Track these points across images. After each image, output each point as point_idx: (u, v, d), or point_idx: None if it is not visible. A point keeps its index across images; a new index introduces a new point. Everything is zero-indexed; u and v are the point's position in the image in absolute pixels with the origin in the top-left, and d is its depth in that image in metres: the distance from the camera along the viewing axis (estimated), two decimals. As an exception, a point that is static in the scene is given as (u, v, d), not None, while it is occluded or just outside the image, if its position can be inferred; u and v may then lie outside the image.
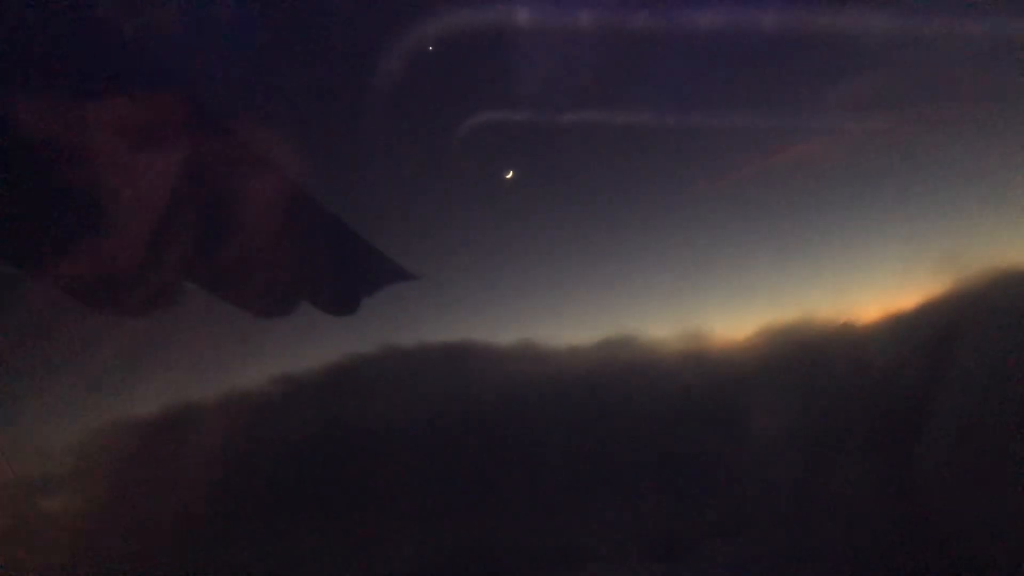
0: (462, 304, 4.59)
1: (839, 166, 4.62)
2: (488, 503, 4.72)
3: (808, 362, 4.87)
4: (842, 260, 4.99)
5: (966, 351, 4.64)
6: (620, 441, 4.82)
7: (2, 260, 3.62)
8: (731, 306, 5.05)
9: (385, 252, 4.21)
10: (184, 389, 4.27)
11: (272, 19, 3.73)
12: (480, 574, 4.61)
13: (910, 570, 4.39)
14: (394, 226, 4.03)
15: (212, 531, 4.34)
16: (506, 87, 4.01)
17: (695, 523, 4.79)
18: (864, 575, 4.53)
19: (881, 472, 4.74)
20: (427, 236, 4.13)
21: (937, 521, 4.59)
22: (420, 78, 3.81)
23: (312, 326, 4.29)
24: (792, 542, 4.71)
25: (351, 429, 4.75)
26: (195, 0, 3.87)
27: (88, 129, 3.44)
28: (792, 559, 4.64)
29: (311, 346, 4.37)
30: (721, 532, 4.77)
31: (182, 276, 3.91)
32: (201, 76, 3.80)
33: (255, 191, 3.85)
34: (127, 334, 4.04)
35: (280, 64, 3.78)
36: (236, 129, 3.85)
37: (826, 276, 5.05)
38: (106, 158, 3.45)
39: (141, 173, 3.38)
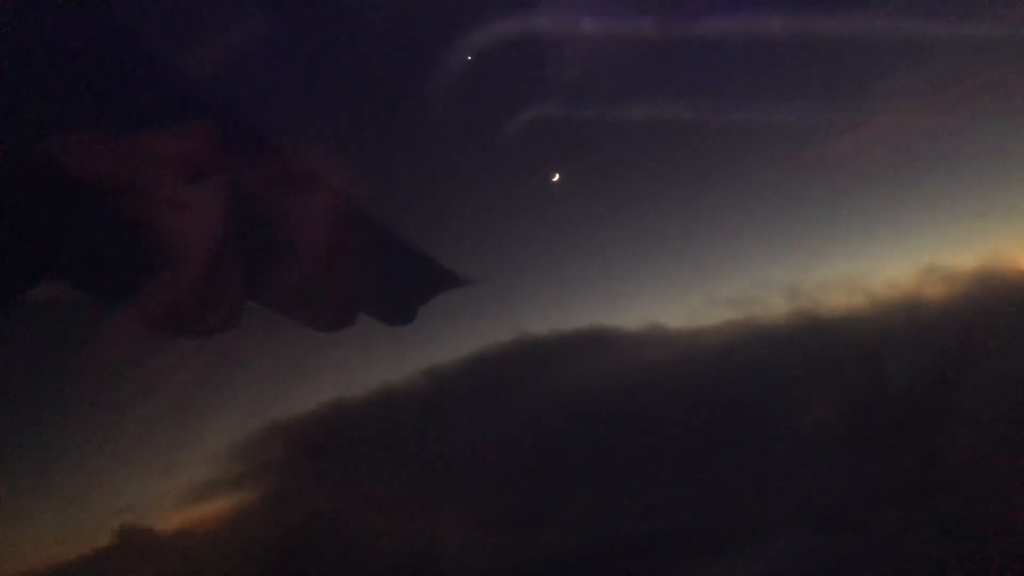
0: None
1: (886, 158, 4.71)
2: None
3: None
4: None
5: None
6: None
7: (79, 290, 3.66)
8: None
9: (438, 260, 4.30)
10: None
11: (315, 40, 3.76)
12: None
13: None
14: (445, 235, 4.11)
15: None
16: (548, 92, 4.09)
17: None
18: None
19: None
20: (479, 241, 4.23)
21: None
22: (465, 90, 3.87)
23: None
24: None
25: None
26: (228, 23, 3.87)
27: (145, 163, 3.46)
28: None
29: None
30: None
31: (247, 297, 3.97)
32: (244, 99, 3.82)
33: (311, 210, 3.90)
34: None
35: (327, 85, 3.81)
36: (284, 152, 3.89)
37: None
38: (168, 190, 3.49)
39: (196, 203, 3.43)
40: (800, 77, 4.27)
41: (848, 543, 4.67)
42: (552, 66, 4.18)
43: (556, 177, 3.99)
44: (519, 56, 4.14)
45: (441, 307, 4.58)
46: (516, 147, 4.12)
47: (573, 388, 5.22)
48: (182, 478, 5.05)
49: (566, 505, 5.10)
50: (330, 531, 5.22)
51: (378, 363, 4.82)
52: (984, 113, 4.38)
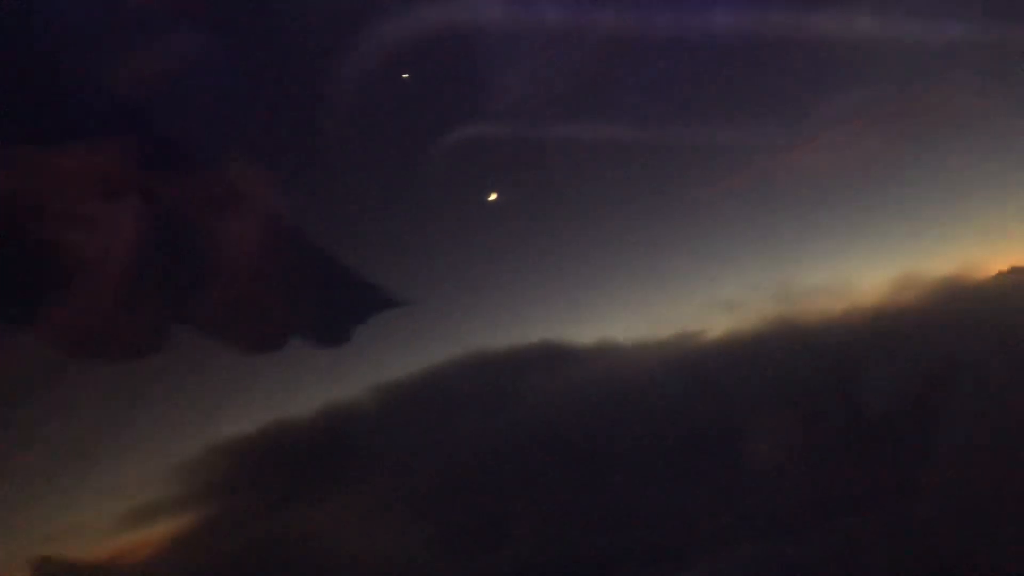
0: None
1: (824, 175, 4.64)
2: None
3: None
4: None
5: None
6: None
7: None
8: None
9: (371, 280, 4.17)
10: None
11: (242, 56, 3.67)
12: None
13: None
14: (380, 256, 3.98)
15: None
16: (486, 108, 3.98)
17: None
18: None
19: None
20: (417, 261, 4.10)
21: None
22: (402, 106, 3.76)
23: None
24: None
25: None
26: (163, 39, 3.78)
27: (58, 178, 3.35)
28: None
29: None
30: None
31: (171, 319, 3.83)
32: (176, 116, 3.71)
33: (237, 230, 3.77)
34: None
35: (255, 101, 3.71)
36: (213, 168, 3.78)
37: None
38: (93, 208, 3.37)
39: (116, 223, 3.30)
40: (746, 94, 4.17)
41: (808, 551, 4.58)
42: (492, 84, 4.08)
43: (494, 196, 3.87)
44: (457, 73, 4.04)
45: (386, 325, 4.48)
46: (455, 164, 4.01)
47: (522, 403, 5.12)
48: (115, 503, 4.90)
49: (521, 521, 4.97)
50: (277, 554, 5.07)
51: (324, 381, 4.70)
52: (934, 130, 4.27)
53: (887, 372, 4.72)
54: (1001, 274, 5.95)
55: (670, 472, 4.96)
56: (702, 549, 4.66)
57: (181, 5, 3.42)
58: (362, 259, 4.07)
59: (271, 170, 3.83)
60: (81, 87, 3.41)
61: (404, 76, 3.66)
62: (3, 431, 4.01)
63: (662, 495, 4.94)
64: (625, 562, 4.78)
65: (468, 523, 5.02)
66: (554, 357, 5.10)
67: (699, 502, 4.83)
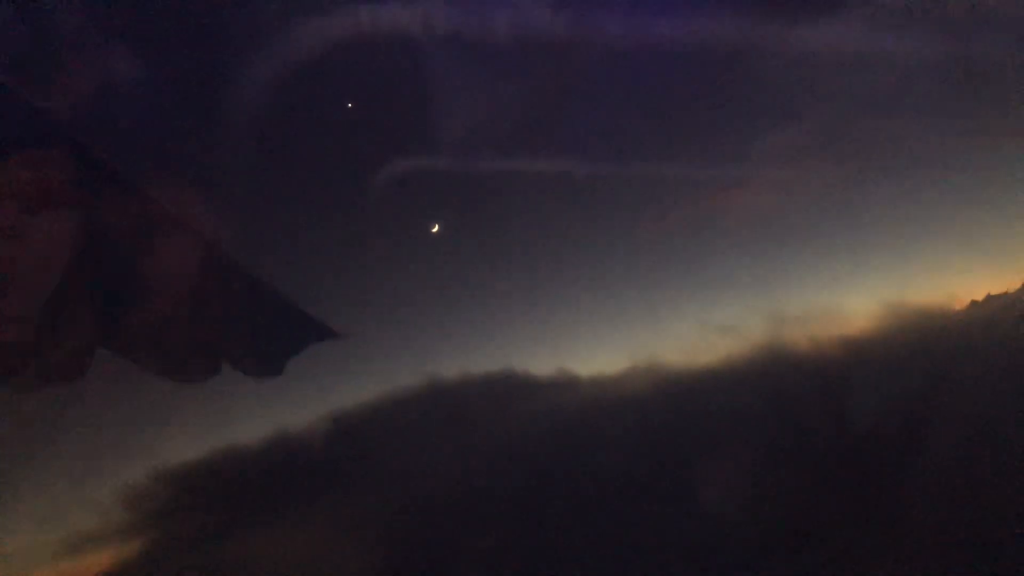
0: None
1: (761, 213, 4.70)
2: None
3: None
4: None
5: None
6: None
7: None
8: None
9: (310, 311, 4.11)
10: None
11: (183, 78, 3.66)
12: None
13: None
14: (315, 283, 3.94)
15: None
16: (425, 140, 3.98)
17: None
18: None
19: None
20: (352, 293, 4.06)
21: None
22: (337, 135, 3.76)
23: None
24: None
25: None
26: (102, 66, 3.77)
27: None
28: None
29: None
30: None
31: (96, 344, 3.73)
32: (112, 138, 3.69)
33: (171, 253, 3.72)
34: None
35: (201, 128, 3.69)
36: (148, 190, 3.74)
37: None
38: (17, 221, 3.31)
39: (43, 237, 3.23)
40: (697, 128, 4.23)
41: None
42: (439, 118, 4.10)
43: (436, 228, 3.86)
44: (405, 106, 4.05)
45: (330, 355, 4.42)
46: (405, 195, 4.00)
47: (476, 433, 5.07)
48: (57, 530, 4.73)
49: (472, 550, 4.86)
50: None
51: (276, 409, 4.62)
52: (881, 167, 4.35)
53: (842, 408, 4.72)
54: (975, 303, 5.98)
55: (622, 505, 4.89)
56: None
57: (124, 29, 3.43)
58: (301, 289, 4.02)
59: (211, 197, 3.80)
60: (15, 101, 3.38)
61: (349, 106, 3.67)
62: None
63: (614, 529, 4.87)
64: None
65: (417, 552, 4.90)
66: (506, 388, 5.08)
67: (654, 535, 4.75)
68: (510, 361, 4.96)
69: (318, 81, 3.56)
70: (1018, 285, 5.66)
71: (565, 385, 5.14)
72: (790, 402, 5.02)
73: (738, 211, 4.66)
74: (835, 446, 4.86)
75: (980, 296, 5.86)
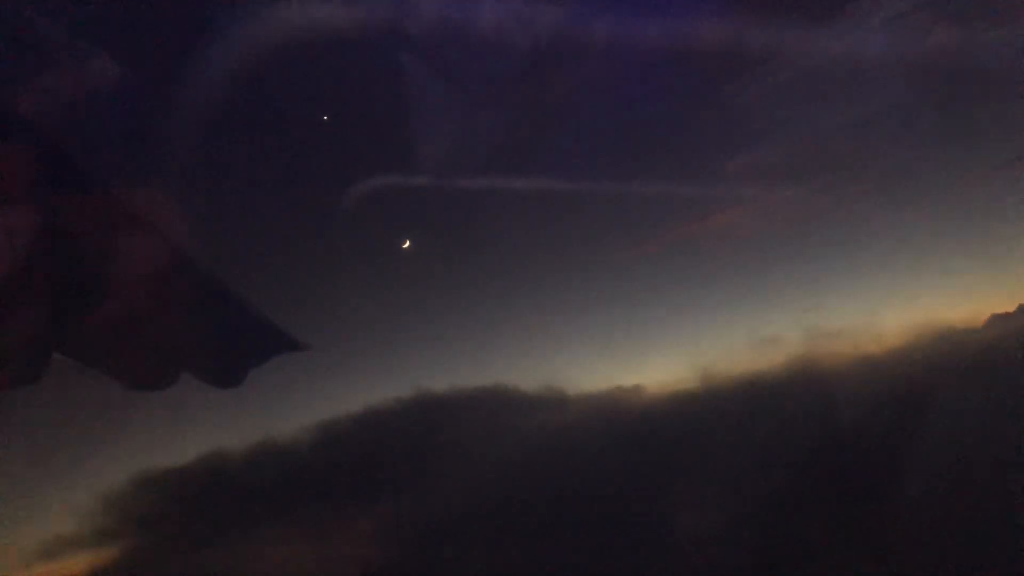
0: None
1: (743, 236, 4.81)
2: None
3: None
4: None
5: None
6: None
7: None
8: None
9: (274, 321, 4.00)
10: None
11: (155, 80, 3.60)
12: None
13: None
14: (284, 294, 3.88)
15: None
16: (401, 154, 3.98)
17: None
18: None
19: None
20: (320, 305, 4.01)
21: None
22: (312, 145, 3.73)
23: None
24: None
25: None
26: (69, 62, 3.68)
27: None
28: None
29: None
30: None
31: (50, 347, 3.61)
32: (76, 135, 3.59)
33: (133, 256, 3.63)
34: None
35: (163, 124, 3.63)
36: (112, 190, 3.65)
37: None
38: None
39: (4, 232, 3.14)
40: (682, 146, 4.31)
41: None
42: (416, 132, 4.11)
43: (407, 244, 3.85)
44: (380, 118, 4.05)
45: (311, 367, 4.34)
46: (366, 209, 3.97)
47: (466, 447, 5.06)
48: (35, 533, 4.52)
49: (463, 569, 4.85)
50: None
51: (261, 416, 4.51)
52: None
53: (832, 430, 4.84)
54: (984, 324, 6.14)
55: (608, 527, 4.94)
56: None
57: (95, 26, 3.37)
58: (267, 299, 3.95)
59: (177, 200, 3.73)
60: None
61: (324, 118, 3.66)
62: None
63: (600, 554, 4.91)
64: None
65: (404, 566, 4.86)
66: (489, 404, 5.08)
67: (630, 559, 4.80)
68: (500, 375, 4.97)
69: (297, 84, 3.52)
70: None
71: (552, 401, 5.17)
72: (800, 423, 5.09)
73: (722, 235, 4.78)
74: (860, 463, 4.94)
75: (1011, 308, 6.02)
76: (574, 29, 3.68)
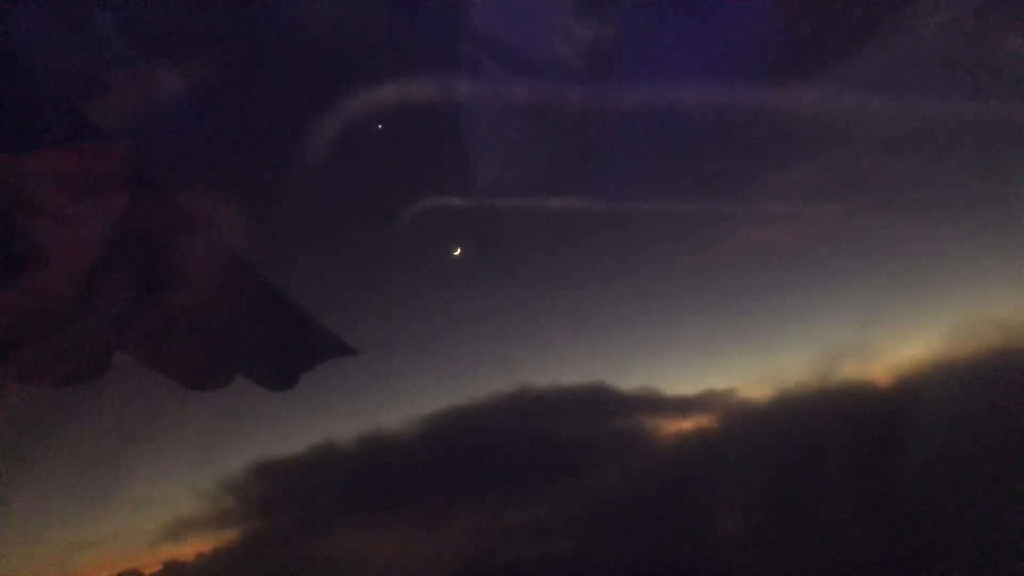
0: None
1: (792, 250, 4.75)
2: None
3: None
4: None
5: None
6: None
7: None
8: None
9: (326, 326, 4.13)
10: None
11: (222, 89, 3.75)
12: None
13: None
14: (336, 301, 3.98)
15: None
16: (452, 169, 4.06)
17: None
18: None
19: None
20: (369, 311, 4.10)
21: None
22: (367, 155, 3.84)
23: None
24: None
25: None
26: (139, 72, 3.87)
27: (25, 184, 3.35)
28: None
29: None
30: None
31: (114, 345, 3.76)
32: (144, 139, 3.76)
33: (195, 259, 3.77)
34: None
35: (228, 134, 3.77)
36: (181, 198, 3.80)
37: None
38: (40, 216, 3.35)
39: (72, 235, 3.28)
40: (727, 162, 4.29)
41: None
42: (471, 149, 4.18)
43: (458, 251, 3.92)
44: (437, 139, 4.14)
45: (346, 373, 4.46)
46: (418, 221, 4.06)
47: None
48: (158, 514, 4.69)
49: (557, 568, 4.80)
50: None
51: (374, 407, 4.65)
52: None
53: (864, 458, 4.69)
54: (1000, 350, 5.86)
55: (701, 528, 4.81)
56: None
57: (163, 36, 3.54)
58: (322, 306, 4.07)
59: (239, 206, 3.86)
60: (60, 93, 3.45)
61: (379, 127, 3.77)
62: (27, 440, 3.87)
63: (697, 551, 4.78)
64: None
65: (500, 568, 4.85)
66: (531, 407, 5.05)
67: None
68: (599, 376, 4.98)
69: (366, 105, 3.64)
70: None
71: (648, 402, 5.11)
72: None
73: (776, 248, 4.74)
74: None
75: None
76: (620, 47, 3.71)
